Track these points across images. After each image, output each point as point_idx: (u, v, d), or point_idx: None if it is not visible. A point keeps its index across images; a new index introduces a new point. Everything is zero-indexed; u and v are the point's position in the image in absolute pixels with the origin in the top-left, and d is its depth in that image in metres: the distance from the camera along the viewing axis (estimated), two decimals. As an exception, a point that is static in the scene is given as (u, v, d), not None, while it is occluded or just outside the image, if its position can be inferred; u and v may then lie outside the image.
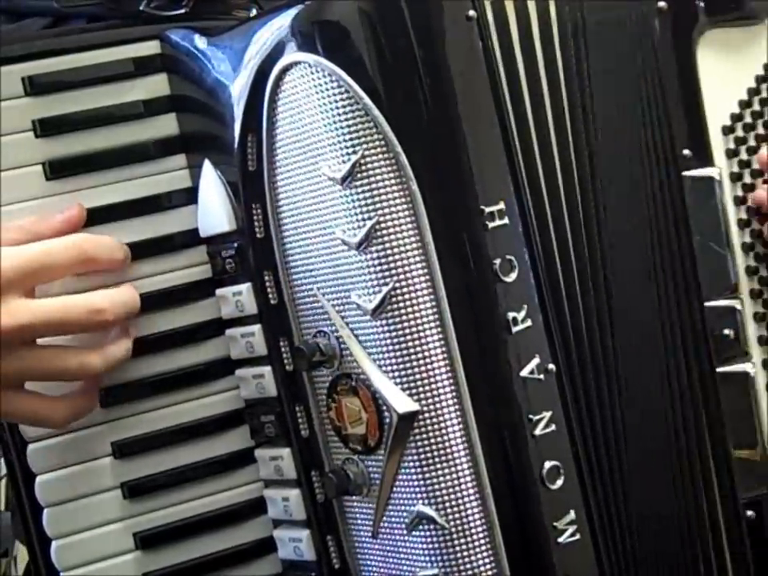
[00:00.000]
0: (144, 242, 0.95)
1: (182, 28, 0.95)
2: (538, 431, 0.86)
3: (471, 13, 0.86)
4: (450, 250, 0.84)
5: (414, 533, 0.86)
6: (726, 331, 0.95)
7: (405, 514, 0.86)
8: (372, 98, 0.83)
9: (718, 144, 0.98)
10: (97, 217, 0.94)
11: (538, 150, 0.88)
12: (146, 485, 0.95)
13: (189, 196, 0.96)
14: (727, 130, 0.98)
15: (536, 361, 0.87)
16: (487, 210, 0.85)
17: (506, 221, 0.86)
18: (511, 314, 0.86)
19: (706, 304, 0.93)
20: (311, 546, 0.93)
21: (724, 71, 0.98)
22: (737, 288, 0.97)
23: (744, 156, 0.98)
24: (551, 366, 0.87)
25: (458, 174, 0.85)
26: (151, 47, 0.95)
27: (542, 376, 0.87)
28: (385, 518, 0.87)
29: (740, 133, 0.98)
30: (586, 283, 0.90)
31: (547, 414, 0.87)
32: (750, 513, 0.95)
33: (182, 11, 0.98)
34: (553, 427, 0.87)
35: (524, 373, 0.86)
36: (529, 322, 0.86)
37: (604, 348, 0.90)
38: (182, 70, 0.95)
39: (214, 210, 0.93)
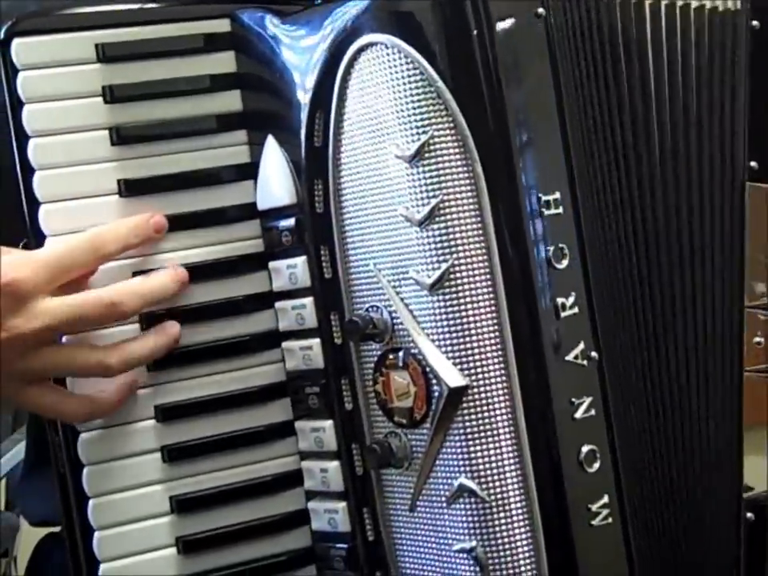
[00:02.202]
0: (197, 213, 0.98)
1: (255, 8, 0.98)
2: (578, 415, 0.89)
3: (540, 11, 0.90)
4: (507, 233, 0.88)
5: (453, 506, 0.88)
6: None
7: (446, 487, 0.88)
8: (444, 82, 0.87)
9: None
10: (155, 185, 0.97)
11: (597, 145, 0.92)
12: (185, 450, 0.96)
13: (246, 171, 0.98)
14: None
15: (581, 347, 0.90)
16: (544, 198, 0.89)
17: (560, 210, 0.90)
18: (560, 300, 0.89)
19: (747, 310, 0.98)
20: (346, 518, 0.95)
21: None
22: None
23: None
24: (594, 354, 0.91)
25: (519, 161, 0.88)
26: (222, 25, 0.98)
27: (585, 362, 0.90)
28: (424, 491, 0.90)
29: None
30: (639, 278, 0.94)
31: (587, 400, 0.90)
32: None
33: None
34: (592, 412, 0.90)
35: (569, 357, 0.90)
36: (576, 309, 0.90)
37: (649, 341, 0.94)
38: (251, 49, 0.98)
39: (276, 183, 0.95)
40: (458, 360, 0.87)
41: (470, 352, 0.87)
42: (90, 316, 0.90)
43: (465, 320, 0.87)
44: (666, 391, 0.95)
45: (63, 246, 0.91)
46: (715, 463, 0.97)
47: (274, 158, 0.96)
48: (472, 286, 0.87)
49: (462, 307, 0.87)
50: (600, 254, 0.92)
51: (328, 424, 0.95)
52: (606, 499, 0.90)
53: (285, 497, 0.99)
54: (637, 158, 0.94)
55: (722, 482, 0.97)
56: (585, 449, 0.90)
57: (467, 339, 0.87)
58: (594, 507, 0.90)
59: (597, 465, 0.90)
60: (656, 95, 0.95)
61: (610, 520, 0.90)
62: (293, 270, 0.95)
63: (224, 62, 0.99)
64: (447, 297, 0.87)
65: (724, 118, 0.99)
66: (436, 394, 0.88)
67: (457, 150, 0.87)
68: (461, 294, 0.87)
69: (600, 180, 0.93)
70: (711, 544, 0.98)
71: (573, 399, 0.89)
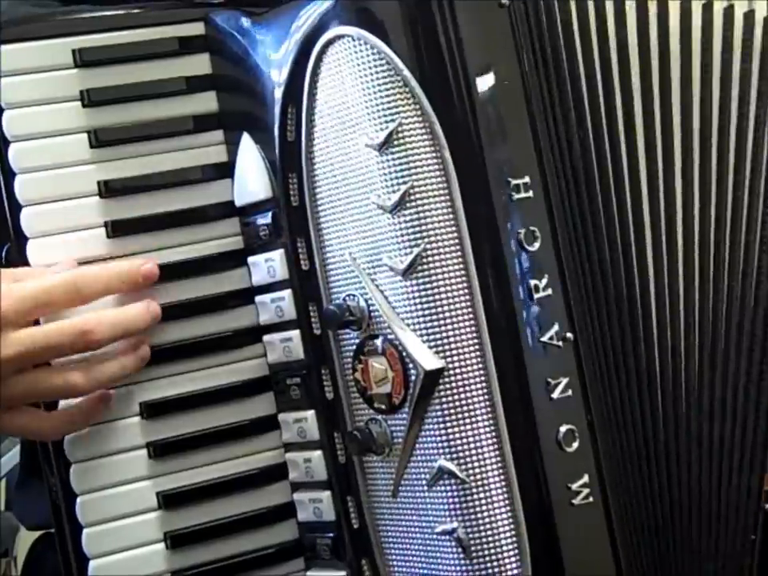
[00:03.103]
0: (177, 212, 1.00)
1: (227, 10, 1.00)
2: (555, 395, 0.90)
3: (504, 1, 0.92)
4: (478, 217, 0.89)
5: (434, 488, 0.89)
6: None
7: (426, 470, 0.89)
8: (410, 71, 0.88)
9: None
10: (134, 185, 0.99)
11: (565, 130, 0.94)
12: (171, 446, 0.98)
13: (224, 170, 1.00)
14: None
15: (555, 328, 0.91)
16: (513, 181, 0.90)
17: (530, 194, 0.91)
18: (533, 282, 0.90)
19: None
20: (331, 507, 0.96)
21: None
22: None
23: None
24: (569, 335, 0.92)
25: (487, 146, 0.90)
26: (196, 28, 1.01)
27: (560, 343, 0.91)
28: (405, 476, 0.91)
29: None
30: (607, 261, 0.95)
31: (564, 380, 0.91)
32: None
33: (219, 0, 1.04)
34: (569, 392, 0.91)
35: (544, 338, 0.90)
36: (549, 291, 0.91)
37: (622, 319, 0.95)
38: (225, 50, 1.00)
39: (251, 178, 0.97)
40: (433, 343, 0.88)
41: (444, 335, 0.88)
42: (62, 345, 0.92)
43: (439, 303, 0.88)
44: (643, 368, 0.96)
45: (46, 283, 0.93)
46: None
47: (249, 155, 0.98)
48: (444, 269, 0.88)
49: (436, 291, 0.88)
50: (574, 236, 0.94)
51: (310, 414, 0.96)
52: (586, 478, 0.91)
53: (271, 490, 1.00)
54: (596, 135, 0.95)
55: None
56: (563, 428, 0.90)
57: (442, 322, 0.88)
58: (575, 486, 0.90)
59: (576, 444, 0.91)
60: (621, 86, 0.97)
61: (591, 499, 0.91)
62: (271, 263, 0.97)
63: (199, 64, 1.01)
64: (420, 281, 0.88)
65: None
66: (413, 378, 0.89)
67: (425, 137, 0.88)
68: (434, 278, 0.88)
69: (568, 161, 0.94)
70: (705, 529, 0.99)
71: (549, 380, 0.90)
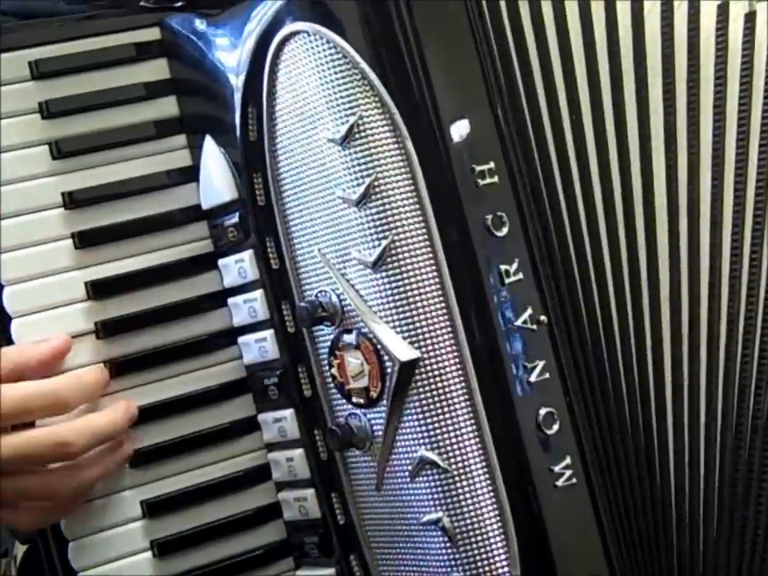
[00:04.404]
0: (145, 219, 0.99)
1: (182, 14, 1.00)
2: (533, 378, 0.90)
3: (462, -12, 0.92)
4: (444, 205, 0.89)
5: (417, 479, 0.89)
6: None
7: (408, 461, 0.89)
8: (368, 63, 0.88)
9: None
10: (99, 195, 0.98)
11: (529, 112, 0.93)
12: (152, 453, 0.97)
13: (189, 174, 1.00)
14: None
15: (529, 312, 0.91)
16: (478, 168, 0.90)
17: (496, 179, 0.91)
18: (503, 267, 0.90)
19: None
20: (316, 505, 0.96)
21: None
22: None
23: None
24: (543, 318, 0.92)
25: (449, 134, 0.89)
26: (152, 33, 1.01)
27: (534, 326, 0.91)
28: (388, 469, 0.91)
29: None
30: (578, 238, 0.94)
31: (541, 363, 0.91)
32: None
33: (180, 3, 1.03)
34: (546, 375, 0.91)
35: (518, 323, 0.90)
36: (521, 275, 0.91)
37: (596, 299, 0.95)
38: (182, 54, 1.00)
39: (217, 180, 0.97)
40: (407, 334, 0.88)
41: (417, 325, 0.88)
42: (40, 455, 0.91)
43: (410, 294, 0.88)
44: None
45: (23, 392, 0.91)
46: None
47: (212, 157, 0.97)
48: (413, 259, 0.88)
49: (406, 281, 0.88)
50: (543, 219, 0.93)
51: (289, 413, 0.96)
52: (568, 460, 0.91)
53: (256, 491, 1.00)
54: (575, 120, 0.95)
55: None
56: (542, 411, 0.90)
57: (414, 313, 0.88)
58: (557, 469, 0.90)
59: (556, 427, 0.90)
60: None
61: (574, 480, 0.90)
62: (241, 264, 0.97)
63: (157, 69, 1.01)
64: (390, 273, 0.88)
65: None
66: (389, 370, 0.88)
67: (386, 129, 0.88)
68: (403, 269, 0.88)
69: (539, 145, 0.94)
70: (695, 507, 0.99)
71: (526, 364, 0.90)
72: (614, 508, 0.93)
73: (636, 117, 0.97)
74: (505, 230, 0.91)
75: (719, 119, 0.98)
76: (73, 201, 0.97)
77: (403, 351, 0.88)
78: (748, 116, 0.98)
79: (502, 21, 0.93)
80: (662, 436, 0.96)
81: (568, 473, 0.91)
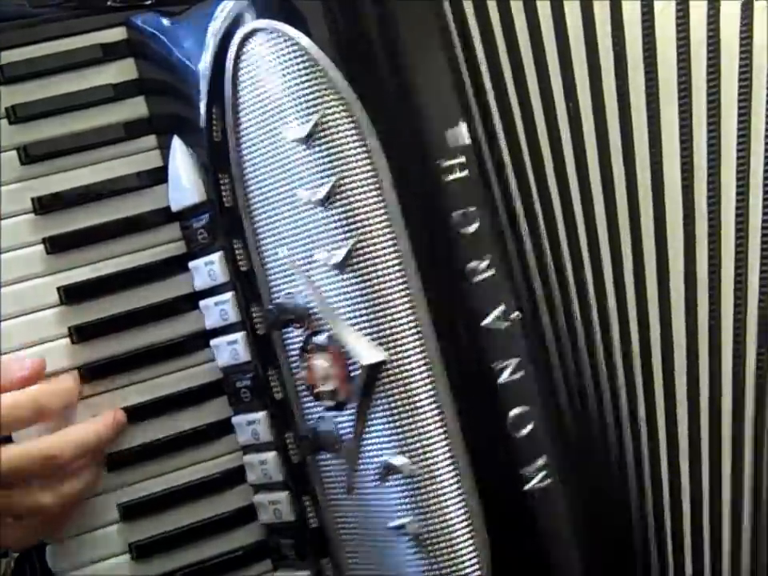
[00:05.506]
0: (116, 222, 0.98)
1: (147, 12, 0.98)
2: (503, 379, 0.88)
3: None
4: (411, 203, 0.87)
5: (385, 483, 0.87)
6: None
7: (376, 465, 0.88)
8: (331, 59, 0.86)
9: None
10: (69, 199, 0.97)
11: (497, 105, 0.91)
12: (127, 456, 0.97)
13: (160, 175, 0.99)
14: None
15: (500, 308, 0.89)
16: (444, 163, 0.88)
17: (465, 173, 0.88)
18: (473, 264, 0.88)
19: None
20: (290, 507, 0.95)
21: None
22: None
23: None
24: (515, 314, 0.90)
25: (414, 129, 0.87)
26: (118, 33, 0.99)
27: (506, 324, 0.89)
28: (358, 472, 0.89)
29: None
30: (552, 233, 0.92)
31: (513, 362, 0.89)
32: None
33: (149, 2, 1.02)
34: (519, 375, 0.89)
35: (488, 321, 0.89)
36: (492, 271, 0.88)
37: (570, 296, 0.93)
38: (148, 53, 0.98)
39: (184, 182, 0.96)
40: (372, 336, 0.86)
41: (383, 327, 0.86)
42: (28, 470, 0.91)
43: (376, 295, 0.86)
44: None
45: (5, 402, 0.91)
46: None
47: (180, 158, 0.96)
48: (379, 260, 0.86)
49: (372, 283, 0.86)
50: (513, 213, 0.91)
51: (261, 415, 0.95)
52: (542, 461, 0.89)
53: (233, 493, 0.99)
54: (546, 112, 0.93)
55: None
56: (514, 412, 0.88)
57: (380, 315, 0.86)
58: (530, 470, 0.88)
59: (529, 427, 0.89)
60: None
61: (548, 481, 0.89)
62: (211, 266, 0.95)
63: (125, 70, 0.99)
64: (356, 274, 0.86)
65: None
66: (355, 373, 0.87)
67: (349, 126, 0.86)
68: (369, 270, 0.86)
69: (509, 138, 0.91)
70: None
71: (497, 363, 0.88)
72: (590, 510, 0.92)
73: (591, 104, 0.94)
74: (474, 226, 0.88)
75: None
76: (42, 206, 0.96)
77: (368, 354, 0.86)
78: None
79: (465, 17, 0.90)
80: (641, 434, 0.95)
81: (541, 475, 0.89)
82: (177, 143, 0.96)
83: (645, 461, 0.94)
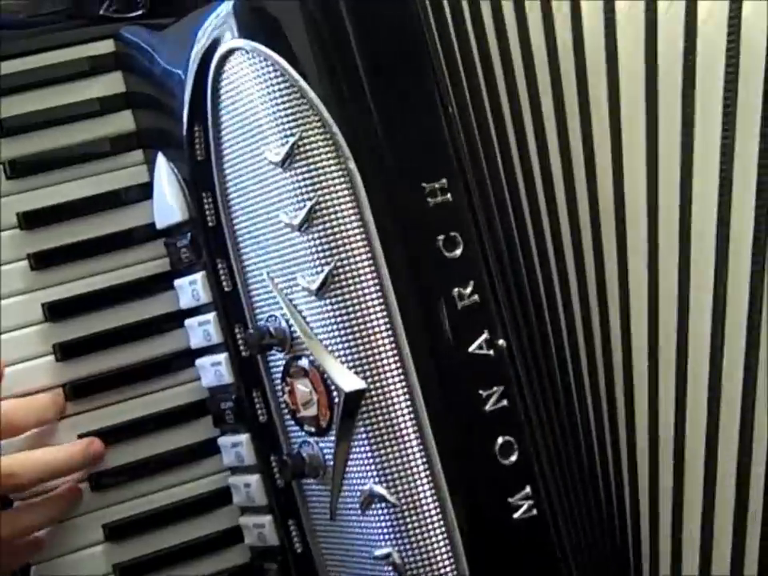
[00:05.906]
0: (102, 238, 0.97)
1: (136, 25, 0.97)
2: (488, 407, 0.86)
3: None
4: (391, 228, 0.84)
5: (367, 512, 0.86)
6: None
7: (358, 493, 0.86)
8: (308, 81, 0.83)
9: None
10: (55, 214, 0.96)
11: (477, 129, 0.88)
12: (112, 476, 0.96)
13: (147, 191, 0.97)
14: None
15: (485, 336, 0.86)
16: (428, 186, 0.86)
17: (448, 197, 0.86)
18: (456, 290, 0.86)
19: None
20: (274, 532, 0.93)
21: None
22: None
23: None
24: (501, 342, 0.87)
25: (396, 152, 0.85)
26: (106, 46, 0.98)
27: (491, 351, 0.87)
28: (341, 499, 0.88)
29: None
30: (543, 255, 0.90)
31: (498, 390, 0.87)
32: None
33: (140, 12, 1.00)
34: (504, 402, 0.87)
35: (472, 348, 0.86)
36: (476, 297, 0.86)
37: (555, 321, 0.90)
38: (136, 67, 0.97)
39: (168, 200, 0.94)
40: (352, 363, 0.84)
41: (363, 354, 0.84)
42: None
43: (355, 322, 0.84)
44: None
45: None
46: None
47: (164, 176, 0.95)
48: (358, 286, 0.84)
49: (351, 309, 0.84)
50: (498, 238, 0.89)
51: (244, 438, 0.94)
52: (528, 490, 0.87)
53: (220, 514, 0.98)
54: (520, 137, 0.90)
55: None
56: (499, 441, 0.86)
57: (359, 341, 0.84)
58: (515, 500, 0.86)
59: (514, 456, 0.86)
60: None
61: (534, 512, 0.86)
62: (194, 286, 0.94)
63: (112, 83, 0.98)
64: (334, 300, 0.84)
65: None
66: (336, 399, 0.85)
67: (327, 149, 0.84)
68: (347, 296, 0.84)
69: (489, 163, 0.89)
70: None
71: (481, 391, 0.86)
72: (576, 541, 0.89)
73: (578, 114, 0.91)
74: (459, 251, 0.86)
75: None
76: (28, 221, 0.95)
77: (348, 381, 0.84)
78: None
79: (448, 27, 0.88)
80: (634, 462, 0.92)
81: (527, 504, 0.87)
82: (161, 160, 0.95)
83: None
